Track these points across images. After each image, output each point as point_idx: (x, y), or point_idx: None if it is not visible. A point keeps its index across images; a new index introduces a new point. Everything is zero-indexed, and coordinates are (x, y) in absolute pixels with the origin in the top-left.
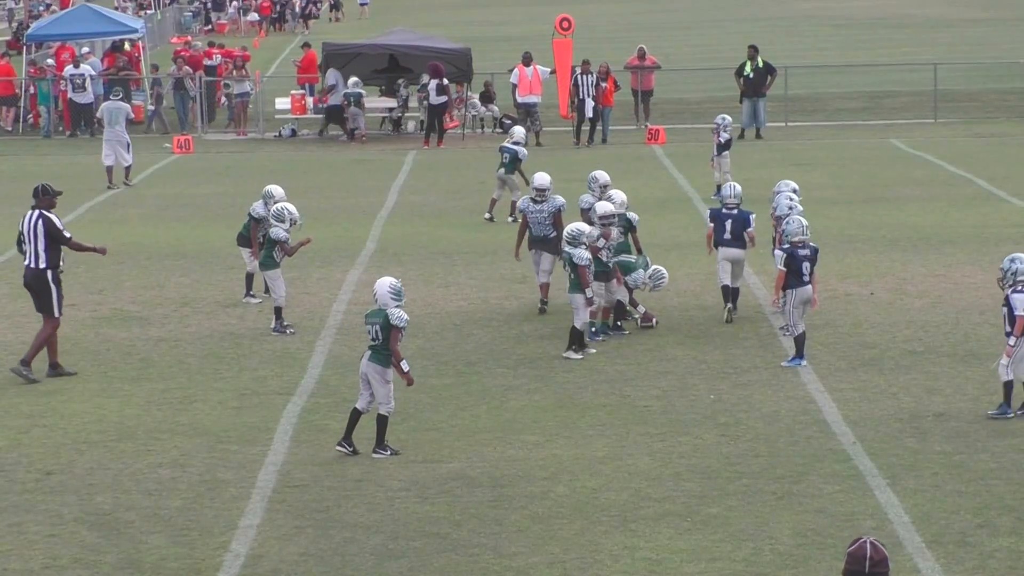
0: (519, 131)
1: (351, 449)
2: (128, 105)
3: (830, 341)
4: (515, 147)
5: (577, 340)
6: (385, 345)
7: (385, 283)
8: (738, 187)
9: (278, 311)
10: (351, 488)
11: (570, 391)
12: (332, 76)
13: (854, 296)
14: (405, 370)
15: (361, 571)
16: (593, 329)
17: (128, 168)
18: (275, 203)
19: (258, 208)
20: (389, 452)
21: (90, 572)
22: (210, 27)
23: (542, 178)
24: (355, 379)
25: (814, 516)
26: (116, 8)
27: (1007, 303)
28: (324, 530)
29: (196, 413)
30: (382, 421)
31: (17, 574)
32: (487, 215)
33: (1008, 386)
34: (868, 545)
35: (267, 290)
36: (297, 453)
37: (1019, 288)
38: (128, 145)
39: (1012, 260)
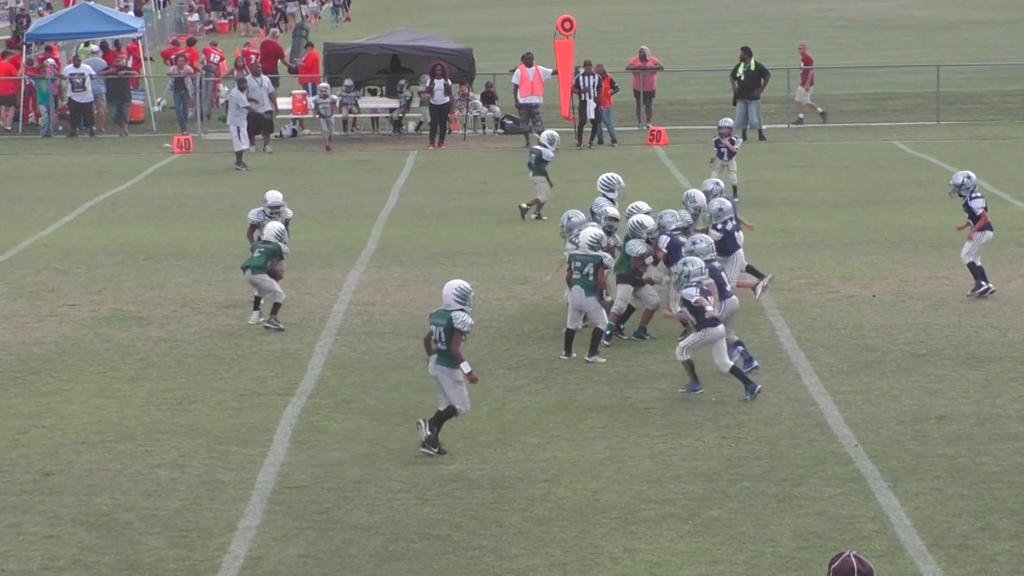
0: (548, 134)
1: (435, 450)
2: (243, 95)
3: (832, 343)
4: (538, 148)
5: (597, 343)
6: (449, 347)
7: (453, 285)
8: None
9: (276, 307)
10: (351, 489)
11: (571, 393)
12: (251, 82)
13: (856, 298)
14: (467, 371)
15: (361, 573)
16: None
17: (240, 153)
18: (269, 208)
19: (252, 215)
20: (436, 450)
21: (88, 573)
22: (211, 27)
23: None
24: (355, 380)
25: (815, 519)
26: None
27: None
28: (324, 532)
29: (195, 414)
30: (449, 412)
31: (15, 575)
32: (534, 215)
33: (689, 366)
34: (853, 559)
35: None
36: (297, 454)
37: (690, 285)
38: (239, 131)
39: (684, 264)
